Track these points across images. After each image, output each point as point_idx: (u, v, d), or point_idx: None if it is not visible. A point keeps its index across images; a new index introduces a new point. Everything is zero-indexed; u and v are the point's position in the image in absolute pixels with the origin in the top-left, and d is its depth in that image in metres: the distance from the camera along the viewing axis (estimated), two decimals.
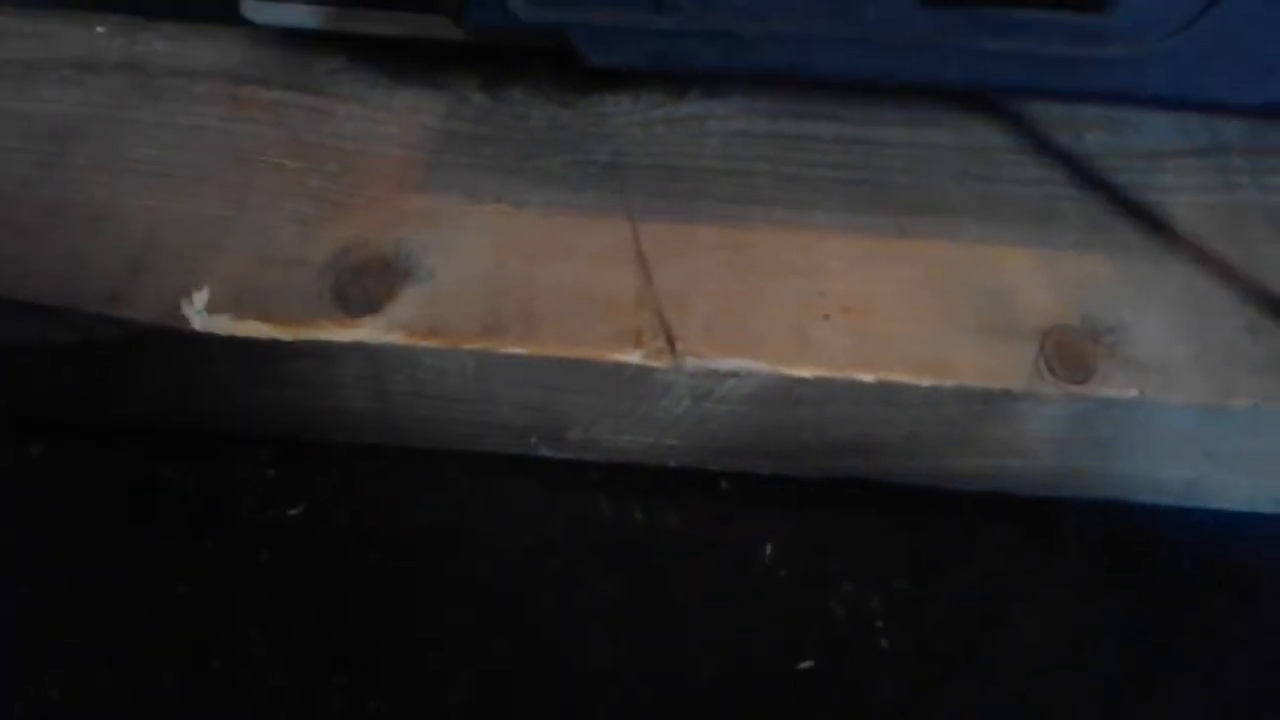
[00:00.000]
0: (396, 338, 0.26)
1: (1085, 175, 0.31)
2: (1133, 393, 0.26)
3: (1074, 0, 0.25)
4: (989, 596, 0.28)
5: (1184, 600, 0.28)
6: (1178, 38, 0.25)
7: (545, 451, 0.29)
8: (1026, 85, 0.26)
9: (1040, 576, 0.28)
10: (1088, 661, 0.27)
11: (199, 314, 0.26)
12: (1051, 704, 0.27)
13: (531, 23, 0.26)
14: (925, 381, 0.26)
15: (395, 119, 0.31)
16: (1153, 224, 0.30)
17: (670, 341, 0.27)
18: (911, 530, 0.29)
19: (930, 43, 0.26)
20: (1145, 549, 0.29)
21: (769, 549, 0.29)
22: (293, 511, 0.28)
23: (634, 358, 0.27)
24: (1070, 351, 0.27)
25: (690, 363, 0.27)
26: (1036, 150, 0.31)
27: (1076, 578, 0.29)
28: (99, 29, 0.33)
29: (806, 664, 0.27)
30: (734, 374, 0.27)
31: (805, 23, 0.26)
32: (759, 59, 0.26)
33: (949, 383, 0.26)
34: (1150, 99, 0.26)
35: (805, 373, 0.27)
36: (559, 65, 0.32)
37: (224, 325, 0.26)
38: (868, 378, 0.27)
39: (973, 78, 0.26)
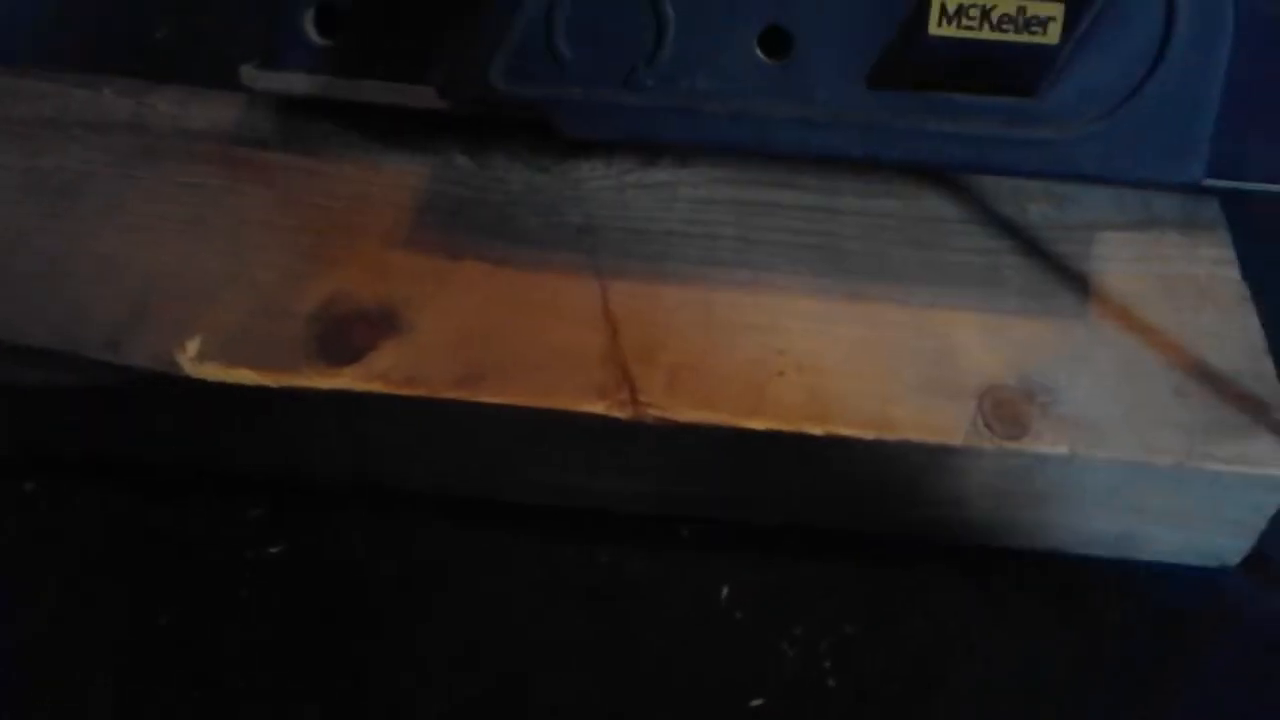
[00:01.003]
0: (375, 386, 0.28)
1: (1028, 245, 0.33)
2: (1063, 449, 0.28)
3: (1007, 85, 0.28)
4: (933, 641, 0.30)
5: (1118, 648, 0.30)
6: (1104, 121, 0.28)
7: (515, 497, 0.31)
8: (965, 163, 0.29)
9: (982, 623, 0.30)
10: (1027, 705, 0.29)
11: (192, 361, 0.28)
12: None
13: (509, 98, 0.28)
14: (870, 436, 0.28)
15: (383, 180, 0.33)
16: (1089, 292, 0.32)
17: (633, 394, 0.29)
18: (860, 576, 0.30)
19: (876, 123, 0.28)
20: (1081, 598, 0.31)
21: (725, 592, 0.30)
22: (274, 550, 0.30)
23: (599, 409, 0.28)
24: (1006, 410, 0.29)
25: (651, 415, 0.28)
26: (983, 220, 0.34)
27: (1016, 624, 0.30)
28: (107, 91, 0.35)
29: (758, 702, 0.28)
30: (693, 426, 0.28)
31: (763, 102, 0.28)
32: (720, 135, 0.28)
33: (892, 438, 0.28)
34: (1080, 176, 0.29)
35: (759, 426, 0.28)
36: (538, 133, 0.34)
37: (214, 372, 0.28)
38: (818, 432, 0.28)
39: (915, 156, 0.28)
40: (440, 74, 0.29)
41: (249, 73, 0.33)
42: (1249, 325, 0.31)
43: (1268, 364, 0.30)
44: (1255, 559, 0.31)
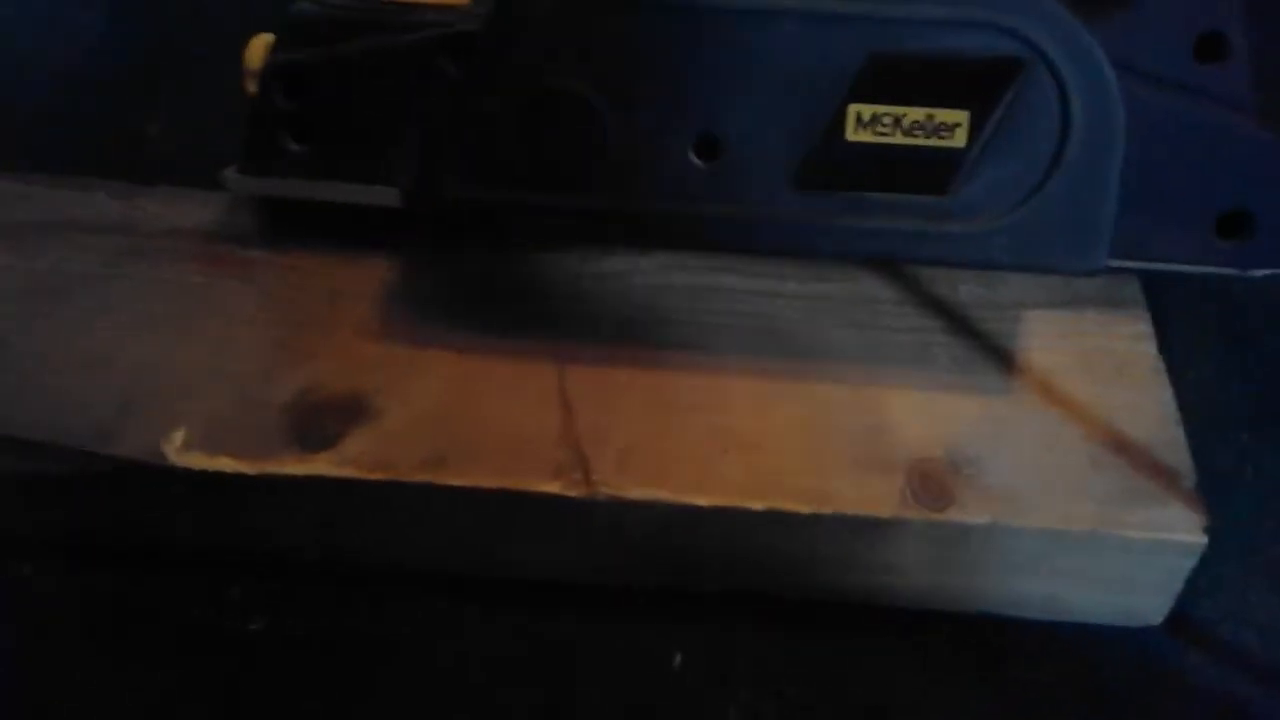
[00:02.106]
0: (347, 472, 0.30)
1: (958, 323, 0.35)
2: (986, 519, 0.30)
3: (920, 185, 0.30)
4: (873, 703, 0.31)
5: (1048, 707, 0.32)
6: (1011, 215, 0.30)
7: (478, 571, 0.33)
8: (885, 255, 0.31)
9: (919, 684, 0.32)
10: None
11: (177, 451, 0.30)
12: None
13: (465, 205, 0.31)
14: (807, 510, 0.30)
15: (355, 274, 0.36)
16: (1013, 367, 0.34)
17: (587, 474, 0.31)
18: (803, 641, 0.32)
19: (802, 221, 0.30)
20: (1013, 659, 0.32)
21: (678, 658, 0.32)
22: (253, 626, 0.32)
23: (554, 489, 0.31)
24: (933, 482, 0.31)
25: (603, 493, 0.30)
26: (916, 301, 0.36)
27: (952, 685, 0.32)
28: (99, 193, 0.38)
29: None
30: (642, 503, 0.31)
31: (699, 203, 0.31)
32: (660, 235, 0.31)
33: (828, 510, 0.30)
34: (990, 266, 0.31)
35: (704, 502, 0.31)
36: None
37: (197, 461, 0.30)
38: (758, 506, 0.30)
39: (840, 249, 0.31)
40: (402, 182, 0.32)
41: (229, 177, 0.35)
42: (1163, 397, 0.33)
43: (1179, 434, 0.33)
44: (1177, 618, 0.33)
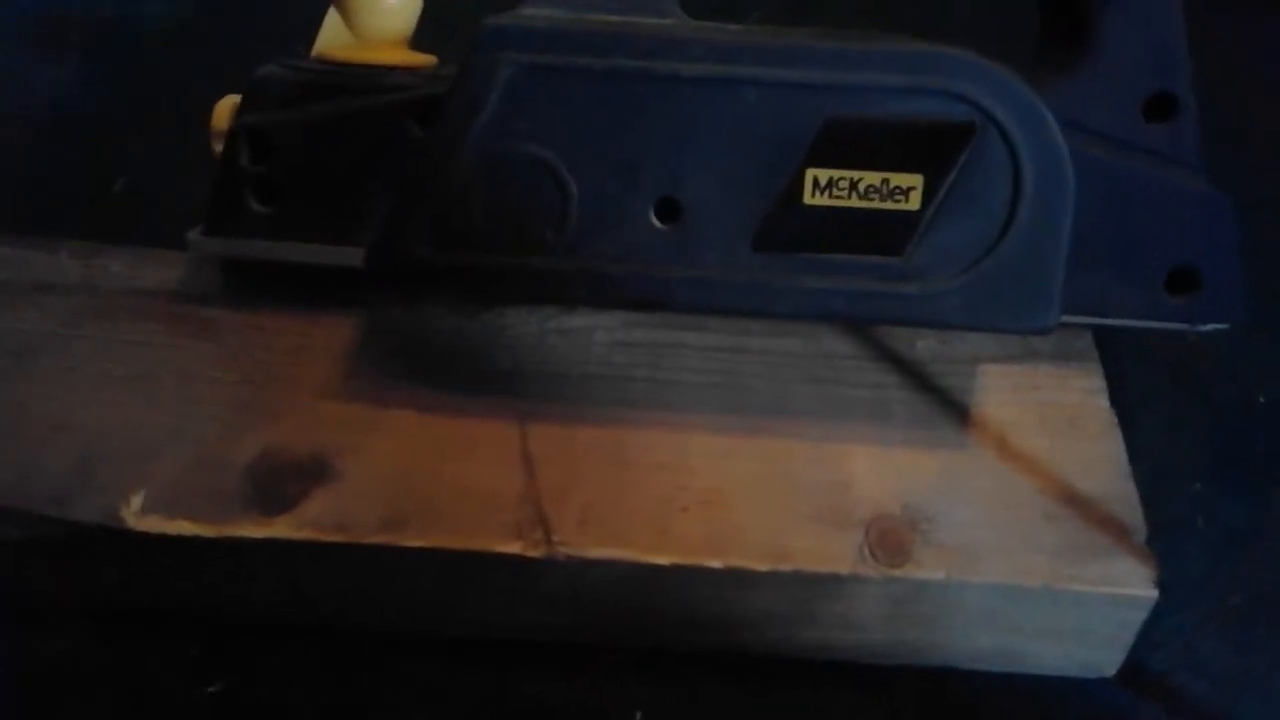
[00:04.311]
0: (306, 534, 0.30)
1: (915, 379, 0.36)
2: (941, 575, 0.31)
3: (876, 246, 0.31)
4: None
5: None
6: (964, 277, 0.31)
7: (439, 630, 0.33)
8: (842, 315, 0.32)
9: None
10: None
11: (135, 515, 0.30)
12: None
13: (429, 266, 0.31)
14: (766, 567, 0.31)
15: (319, 333, 0.36)
16: (969, 422, 0.35)
17: (547, 534, 0.31)
18: (764, 698, 0.33)
19: (761, 281, 0.31)
20: (972, 711, 0.33)
21: (639, 716, 0.32)
22: (212, 689, 0.32)
23: (515, 549, 0.31)
24: (891, 539, 0.31)
25: (563, 553, 0.31)
26: (875, 356, 0.36)
27: None
28: (62, 254, 0.38)
29: None
30: (602, 561, 0.31)
31: (661, 264, 0.31)
32: (622, 295, 0.31)
33: (787, 567, 0.31)
34: (944, 325, 0.32)
35: (664, 560, 0.31)
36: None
37: (156, 525, 0.30)
38: (717, 564, 0.31)
39: (797, 311, 0.31)
40: (368, 244, 0.32)
41: (194, 239, 0.35)
42: (1115, 451, 0.34)
43: (1130, 488, 0.33)
44: (1131, 669, 0.33)
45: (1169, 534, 0.36)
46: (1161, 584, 0.31)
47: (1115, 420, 0.35)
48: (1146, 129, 0.35)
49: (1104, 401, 0.36)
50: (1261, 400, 0.41)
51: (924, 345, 0.37)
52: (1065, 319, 0.34)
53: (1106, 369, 0.37)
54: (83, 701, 0.32)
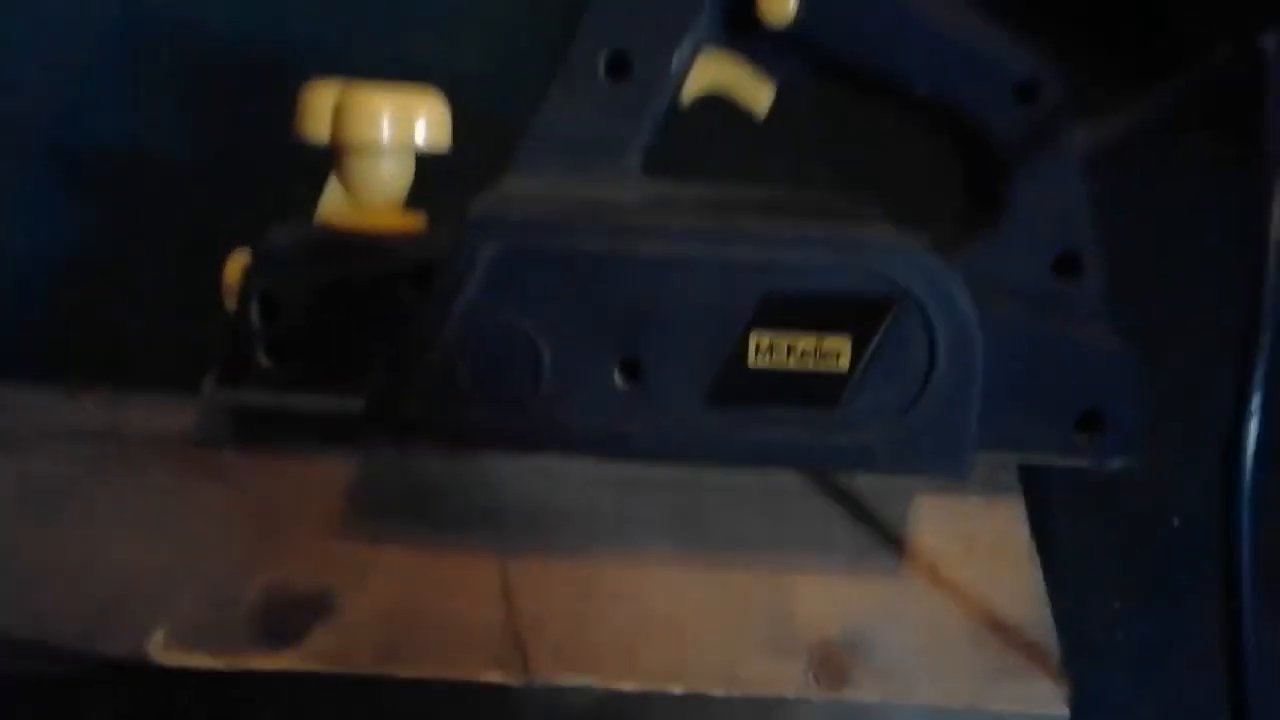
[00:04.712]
0: (310, 666, 0.34)
1: (856, 510, 0.40)
2: (876, 697, 0.34)
3: (812, 400, 0.35)
4: None
5: None
6: (889, 428, 0.35)
7: None
8: (784, 462, 0.36)
9: None
10: None
11: (158, 649, 0.34)
12: None
13: (419, 424, 0.35)
14: (721, 692, 0.34)
15: (321, 476, 0.40)
16: (904, 551, 0.39)
17: (525, 663, 0.35)
18: None
19: (712, 433, 0.35)
20: None
21: None
22: None
23: (496, 678, 0.34)
24: (831, 663, 0.35)
25: (538, 680, 0.34)
26: (821, 490, 0.41)
27: None
28: (87, 401, 0.42)
29: None
30: (573, 689, 0.34)
31: (623, 418, 0.35)
32: (587, 447, 0.35)
33: (739, 692, 0.34)
34: (875, 470, 0.36)
35: (629, 686, 0.34)
36: None
37: (177, 658, 0.34)
38: (678, 690, 0.34)
39: (744, 458, 0.36)
40: (365, 395, 0.36)
41: (208, 390, 0.39)
42: (1033, 580, 0.38)
43: (1048, 614, 0.37)
44: None
45: (1089, 650, 0.40)
46: (1074, 702, 0.35)
47: (1034, 550, 0.39)
48: (1057, 284, 0.40)
49: (1025, 532, 0.39)
50: (1176, 523, 0.45)
51: (866, 479, 0.41)
52: (987, 455, 0.39)
53: (1034, 496, 0.41)
54: None
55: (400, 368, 0.36)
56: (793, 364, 0.35)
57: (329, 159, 0.41)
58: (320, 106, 0.40)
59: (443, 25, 0.57)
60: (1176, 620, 0.42)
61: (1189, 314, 0.50)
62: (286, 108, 0.41)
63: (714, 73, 0.39)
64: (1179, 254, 0.49)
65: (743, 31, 0.38)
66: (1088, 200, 0.40)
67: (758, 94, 0.40)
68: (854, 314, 0.34)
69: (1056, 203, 0.40)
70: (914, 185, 0.54)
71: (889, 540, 0.39)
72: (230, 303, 0.40)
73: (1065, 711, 0.34)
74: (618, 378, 0.35)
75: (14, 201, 0.57)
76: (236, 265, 0.40)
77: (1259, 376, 0.32)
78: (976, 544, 0.39)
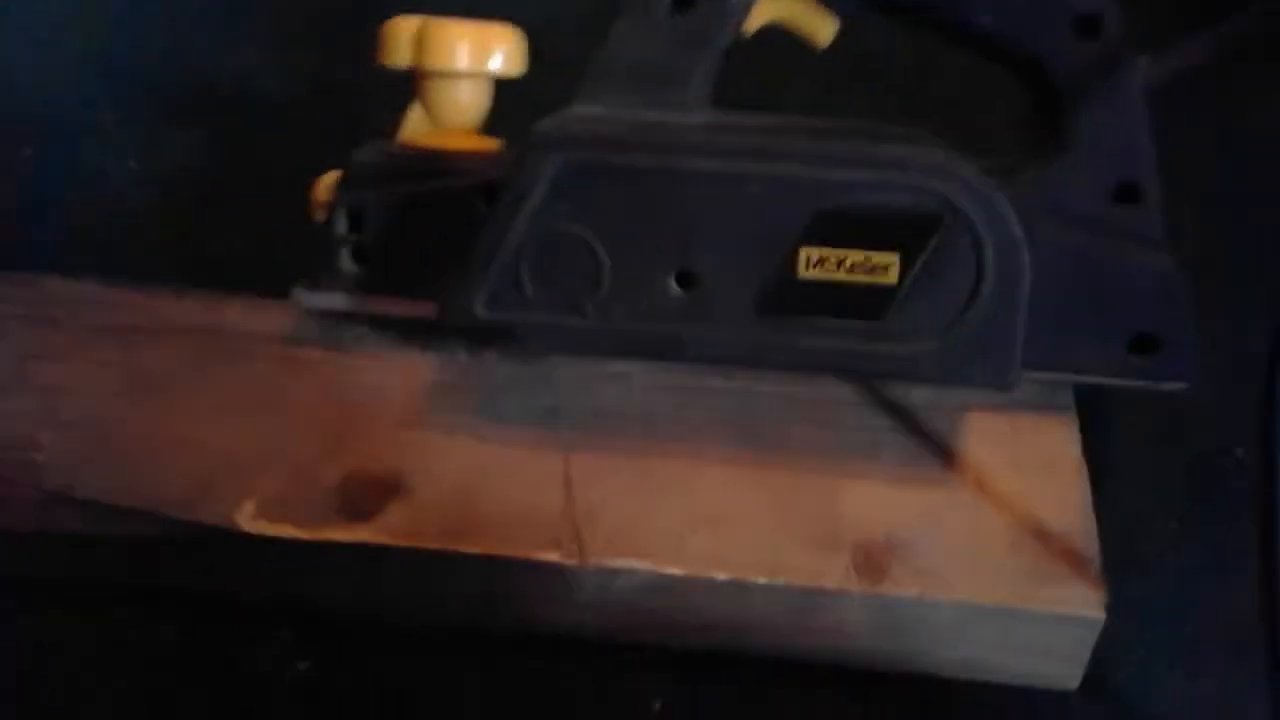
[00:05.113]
0: (382, 539, 0.37)
1: (906, 423, 0.41)
2: (914, 592, 0.36)
3: (860, 313, 0.36)
4: None
5: None
6: (936, 340, 0.36)
7: (488, 625, 0.39)
8: (830, 369, 0.37)
9: None
10: None
11: (247, 520, 0.37)
12: None
13: (487, 322, 0.38)
14: (764, 579, 0.36)
15: (399, 372, 0.43)
16: (953, 463, 0.40)
17: (581, 546, 0.37)
18: (763, 690, 0.38)
19: (762, 340, 0.37)
20: (946, 715, 0.38)
21: (658, 704, 0.38)
22: (301, 666, 0.38)
23: (554, 557, 0.37)
24: (872, 560, 0.37)
25: (593, 562, 0.37)
26: (872, 402, 0.42)
27: None
28: (189, 301, 0.45)
29: None
30: (625, 570, 0.37)
31: (677, 324, 0.37)
32: (643, 350, 0.38)
33: (781, 581, 0.36)
34: (920, 380, 0.37)
35: (677, 571, 0.37)
36: None
37: (263, 528, 0.37)
38: (722, 576, 0.36)
39: (794, 364, 0.37)
40: (439, 300, 0.39)
41: (298, 294, 0.42)
42: (1079, 492, 0.39)
43: (1091, 524, 0.38)
44: (1093, 684, 0.38)
45: (1142, 565, 0.41)
46: (1115, 609, 0.36)
47: (1083, 465, 0.40)
48: (1116, 211, 0.40)
49: (1075, 450, 0.40)
50: (1240, 454, 0.45)
51: (918, 393, 0.42)
52: (1042, 376, 0.40)
53: (1100, 422, 0.42)
54: (197, 673, 0.39)
55: (470, 274, 0.38)
56: (842, 276, 0.36)
57: (411, 86, 0.43)
58: (403, 36, 0.42)
59: None
60: (1228, 543, 0.42)
61: (1266, 245, 0.49)
62: (369, 43, 0.44)
63: (777, 6, 0.40)
64: (1253, 180, 0.49)
65: None
66: (1149, 130, 0.40)
67: (820, 27, 0.41)
68: (903, 230, 0.36)
69: (1117, 133, 0.40)
70: (981, 114, 0.54)
71: (937, 450, 0.40)
72: (319, 215, 0.43)
73: (1101, 615, 0.35)
74: (673, 286, 0.37)
75: (132, 130, 0.61)
76: (327, 183, 0.43)
77: None
78: (1024, 458, 0.40)
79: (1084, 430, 0.41)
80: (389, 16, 0.44)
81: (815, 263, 0.36)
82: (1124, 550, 0.38)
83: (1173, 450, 0.46)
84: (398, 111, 0.44)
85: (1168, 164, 0.40)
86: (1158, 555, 0.42)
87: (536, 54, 0.44)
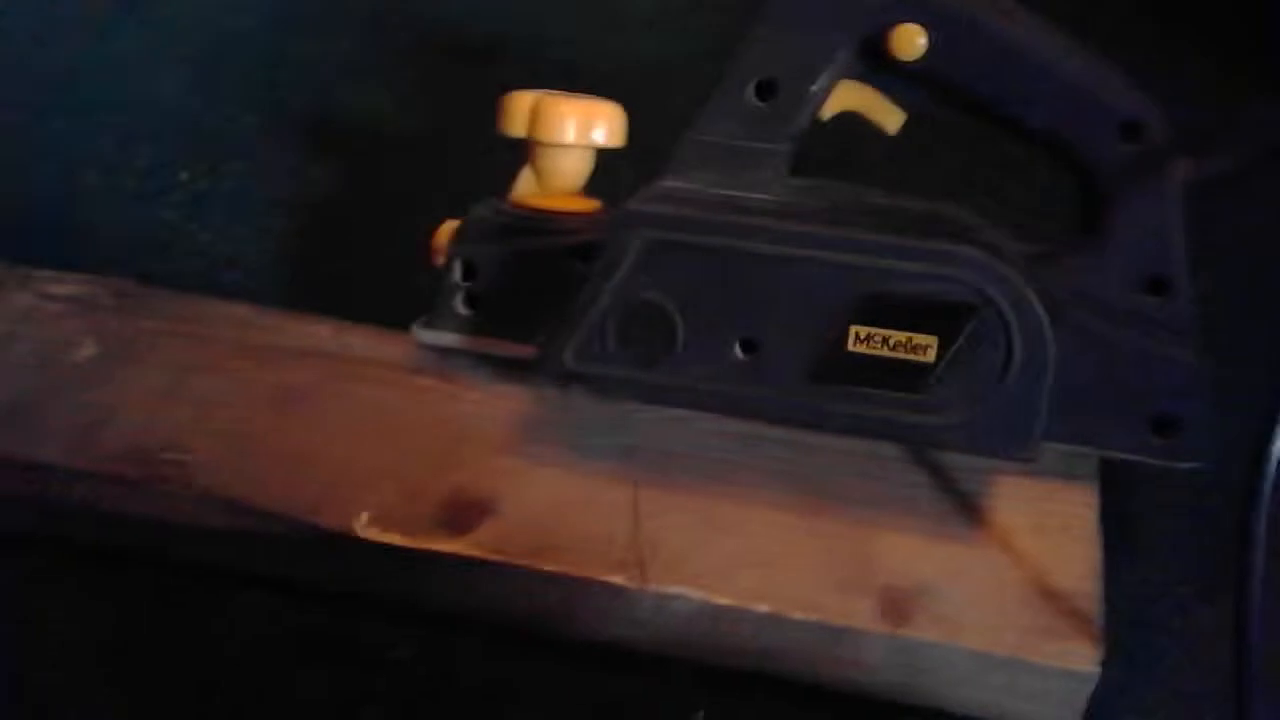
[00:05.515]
0: (475, 552, 0.43)
1: (943, 481, 0.46)
2: (931, 637, 0.41)
3: (901, 386, 0.41)
4: None
5: None
6: (967, 414, 0.41)
7: (562, 635, 0.45)
8: (873, 434, 0.42)
9: None
10: None
11: (363, 527, 0.44)
12: None
13: (574, 371, 0.43)
14: (800, 615, 0.42)
15: (499, 405, 0.49)
16: (979, 522, 0.44)
17: (643, 571, 0.43)
18: (793, 713, 0.43)
19: (814, 404, 0.42)
20: None
21: (702, 714, 0.43)
22: (399, 654, 0.45)
23: (619, 580, 0.43)
24: (897, 605, 0.42)
25: (652, 587, 0.42)
26: (914, 460, 0.47)
27: None
28: (321, 326, 0.52)
29: None
30: (679, 597, 0.42)
31: (740, 385, 0.43)
32: (711, 404, 0.43)
33: (814, 618, 0.41)
34: (951, 448, 0.42)
35: (724, 601, 0.42)
36: None
37: (376, 535, 0.44)
38: (763, 608, 0.42)
39: (840, 428, 0.42)
40: (536, 348, 0.45)
41: (417, 330, 0.49)
42: (1091, 555, 0.43)
43: (1098, 587, 0.42)
44: None
45: (1149, 626, 0.45)
46: (1107, 664, 0.40)
47: (1098, 531, 0.44)
48: (1145, 302, 0.44)
49: (1092, 515, 0.45)
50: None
51: (955, 455, 0.47)
52: (1068, 448, 0.44)
53: (1124, 490, 0.46)
54: (313, 655, 0.46)
55: (565, 326, 0.44)
56: (885, 352, 0.41)
57: (524, 151, 0.49)
58: (519, 109, 0.48)
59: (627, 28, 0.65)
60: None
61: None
62: (492, 99, 0.50)
63: (851, 97, 0.45)
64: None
65: (876, 66, 0.44)
66: (1182, 228, 0.44)
67: (889, 118, 0.46)
68: (942, 316, 0.40)
69: (1152, 230, 0.44)
70: (1034, 202, 0.58)
71: (967, 510, 0.45)
72: (438, 260, 0.49)
73: (1096, 670, 0.40)
74: (738, 351, 0.42)
75: (273, 163, 0.68)
76: (446, 233, 0.49)
77: None
78: (1044, 521, 0.44)
79: (1104, 494, 0.46)
80: (510, 73, 0.49)
81: (863, 339, 0.41)
82: (1134, 610, 0.43)
83: (1192, 521, 0.50)
84: (510, 164, 0.50)
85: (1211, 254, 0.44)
86: (1165, 617, 0.46)
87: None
